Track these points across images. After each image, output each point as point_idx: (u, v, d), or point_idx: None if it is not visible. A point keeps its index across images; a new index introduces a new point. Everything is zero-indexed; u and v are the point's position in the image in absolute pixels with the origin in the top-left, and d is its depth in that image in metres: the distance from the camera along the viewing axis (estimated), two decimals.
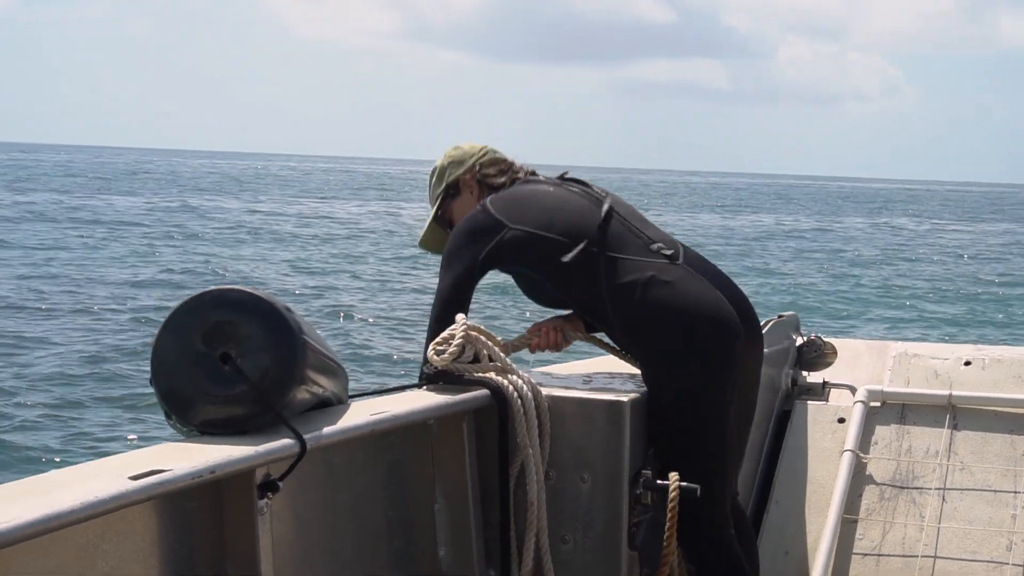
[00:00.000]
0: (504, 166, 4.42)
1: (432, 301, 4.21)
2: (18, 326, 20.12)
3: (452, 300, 4.14)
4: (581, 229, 4.17)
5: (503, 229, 4.18)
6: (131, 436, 12.99)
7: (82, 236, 38.40)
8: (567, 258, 4.12)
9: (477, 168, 4.40)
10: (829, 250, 45.68)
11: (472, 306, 4.18)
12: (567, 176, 4.40)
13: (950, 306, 27.50)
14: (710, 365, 4.06)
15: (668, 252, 4.16)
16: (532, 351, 4.35)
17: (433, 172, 4.50)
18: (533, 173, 4.44)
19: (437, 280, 4.24)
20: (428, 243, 4.52)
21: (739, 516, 4.36)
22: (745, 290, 4.32)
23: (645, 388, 4.07)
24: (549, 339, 4.33)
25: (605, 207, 4.22)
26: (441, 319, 4.09)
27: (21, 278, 26.91)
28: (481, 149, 4.46)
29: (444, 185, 4.43)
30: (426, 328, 4.16)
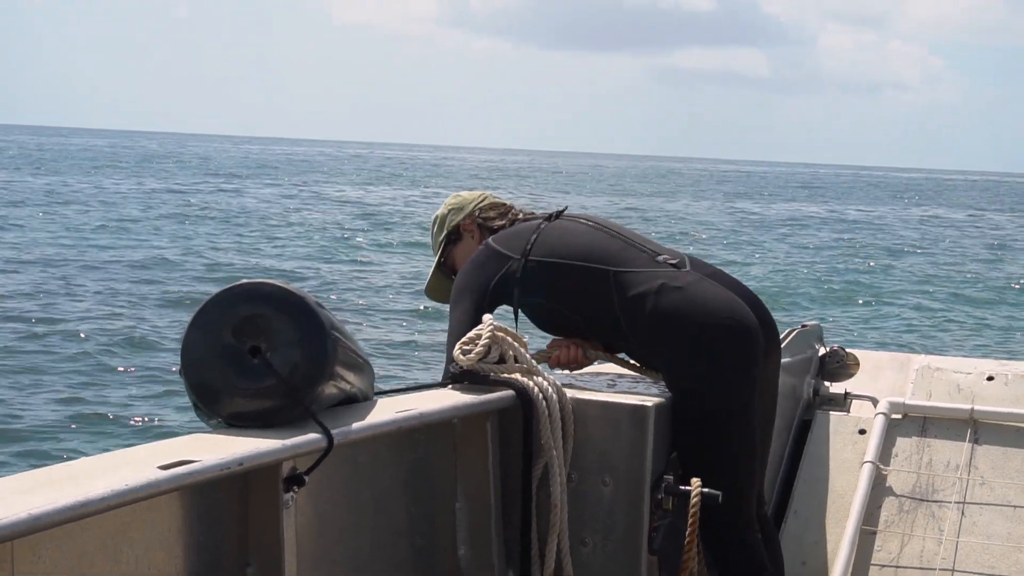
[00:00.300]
0: (503, 210, 4.52)
1: (445, 338, 4.23)
2: (47, 311, 20.26)
3: (464, 334, 4.12)
4: (584, 251, 4.22)
5: (508, 260, 4.24)
6: (160, 426, 13.06)
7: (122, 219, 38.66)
8: (574, 280, 4.18)
9: (476, 213, 4.51)
10: (863, 240, 45.54)
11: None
12: (565, 212, 4.46)
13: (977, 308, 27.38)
14: (729, 366, 4.08)
15: (674, 261, 4.20)
16: (552, 366, 4.35)
17: (435, 221, 4.61)
18: (532, 214, 4.51)
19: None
20: (433, 292, 4.63)
21: (764, 522, 4.38)
22: (769, 280, 4.33)
23: (670, 393, 4.08)
24: (570, 354, 4.32)
25: (604, 228, 4.31)
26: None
27: (58, 263, 27.10)
28: (480, 195, 4.57)
29: (445, 232, 4.54)
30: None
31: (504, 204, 4.55)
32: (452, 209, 4.56)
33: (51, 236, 32.95)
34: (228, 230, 38.15)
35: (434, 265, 4.59)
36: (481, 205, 4.53)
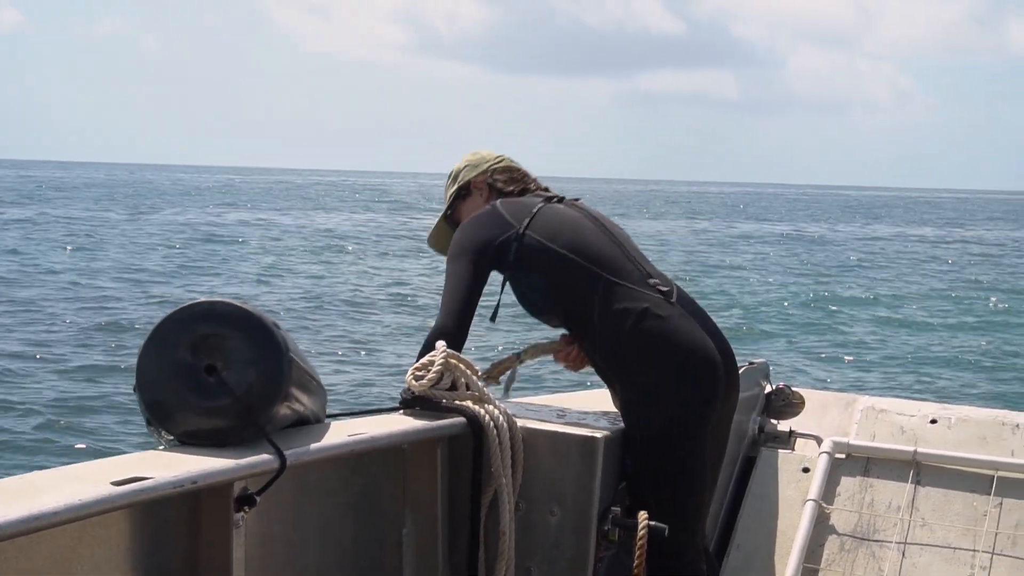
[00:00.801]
0: (517, 175, 4.54)
1: (441, 297, 4.21)
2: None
3: (461, 290, 4.17)
4: (579, 245, 4.22)
5: (511, 228, 4.24)
6: (114, 444, 12.97)
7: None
8: (563, 270, 4.18)
9: (490, 173, 4.53)
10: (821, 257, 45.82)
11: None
12: (578, 201, 4.49)
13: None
14: (694, 402, 4.10)
15: (664, 289, 4.21)
16: (556, 359, 4.36)
17: (450, 174, 4.62)
18: (547, 189, 4.54)
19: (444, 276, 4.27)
20: (436, 242, 4.61)
21: (706, 556, 4.41)
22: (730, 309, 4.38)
23: (619, 425, 4.10)
24: (576, 358, 4.34)
25: (607, 231, 4.32)
26: (451, 311, 4.12)
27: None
28: (498, 157, 4.59)
29: (457, 185, 4.55)
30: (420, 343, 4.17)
31: (519, 170, 4.57)
32: (468, 165, 4.57)
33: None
34: (181, 255, 38.07)
35: (440, 216, 4.60)
36: (496, 166, 4.54)
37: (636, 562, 3.98)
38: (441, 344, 4.03)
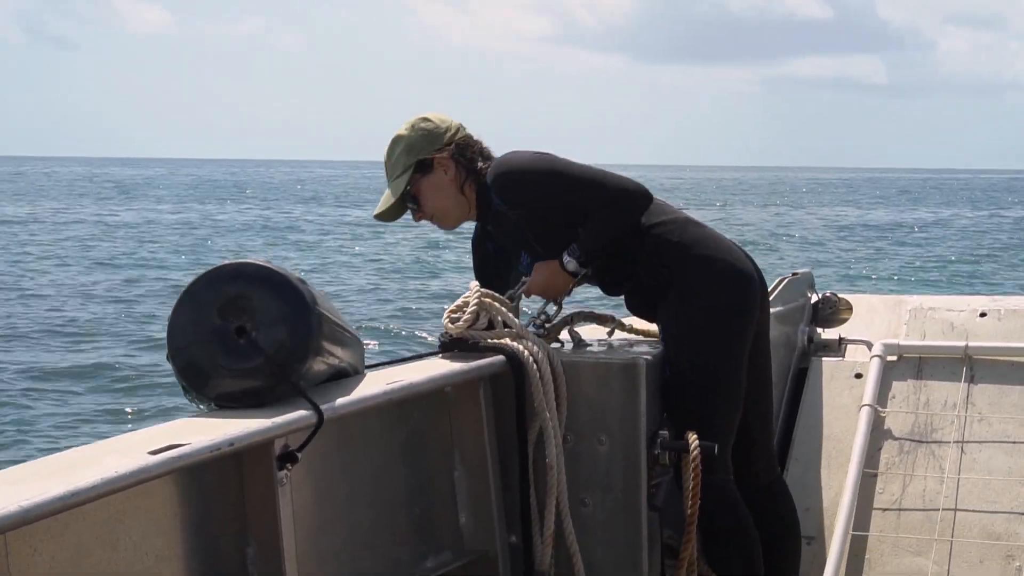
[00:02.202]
0: (477, 145, 4.33)
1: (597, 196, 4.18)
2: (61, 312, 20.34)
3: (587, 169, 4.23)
4: (616, 180, 4.25)
5: (562, 162, 4.23)
6: (153, 414, 13.08)
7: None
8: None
9: (453, 147, 4.28)
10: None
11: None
12: None
13: None
14: (737, 305, 4.18)
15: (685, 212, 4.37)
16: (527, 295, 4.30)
17: (397, 142, 4.30)
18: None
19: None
20: (386, 216, 4.35)
21: (780, 485, 4.51)
22: None
23: (659, 350, 4.08)
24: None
25: None
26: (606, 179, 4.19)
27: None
28: (456, 126, 4.33)
29: (416, 159, 4.27)
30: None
31: (479, 142, 4.36)
32: (425, 136, 4.27)
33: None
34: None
35: (392, 191, 4.29)
36: (458, 139, 4.30)
37: (692, 484, 3.98)
38: (474, 284, 4.03)
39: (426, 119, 4.30)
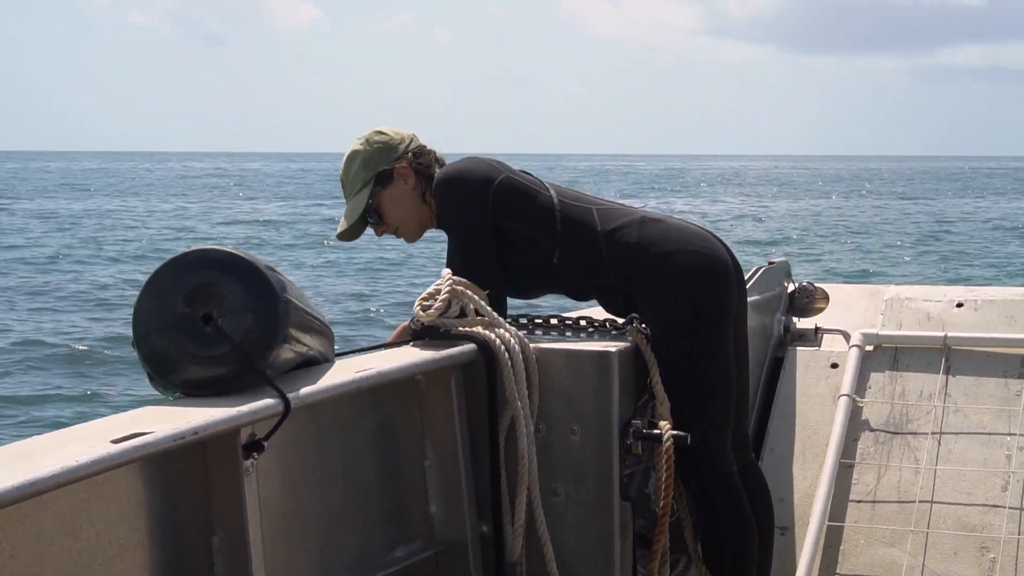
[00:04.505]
0: (431, 154, 4.34)
1: (452, 265, 4.11)
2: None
3: (477, 258, 4.14)
4: (562, 190, 4.26)
5: (499, 174, 4.18)
6: (115, 400, 13.04)
7: None
8: (560, 213, 4.16)
9: (410, 156, 4.29)
10: None
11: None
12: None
13: None
14: (713, 294, 4.14)
15: (640, 206, 4.37)
16: None
17: (353, 157, 4.31)
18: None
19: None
20: (347, 236, 4.35)
21: (753, 469, 4.46)
22: None
23: (630, 339, 4.05)
24: None
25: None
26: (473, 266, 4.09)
27: None
28: (410, 136, 4.34)
29: (375, 173, 4.26)
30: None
31: (432, 150, 4.36)
32: (381, 148, 4.29)
33: None
34: None
35: (353, 208, 4.29)
36: (412, 148, 4.31)
37: (664, 474, 3.96)
38: (447, 272, 3.99)
39: (380, 132, 4.31)
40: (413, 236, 4.37)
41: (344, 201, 4.34)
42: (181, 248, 3.42)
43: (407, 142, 4.31)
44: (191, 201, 63.28)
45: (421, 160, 4.29)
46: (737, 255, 4.30)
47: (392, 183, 4.27)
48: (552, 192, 4.22)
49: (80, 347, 16.33)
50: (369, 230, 4.37)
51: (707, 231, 4.27)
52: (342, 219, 4.33)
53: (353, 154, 4.31)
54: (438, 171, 4.29)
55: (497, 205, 4.15)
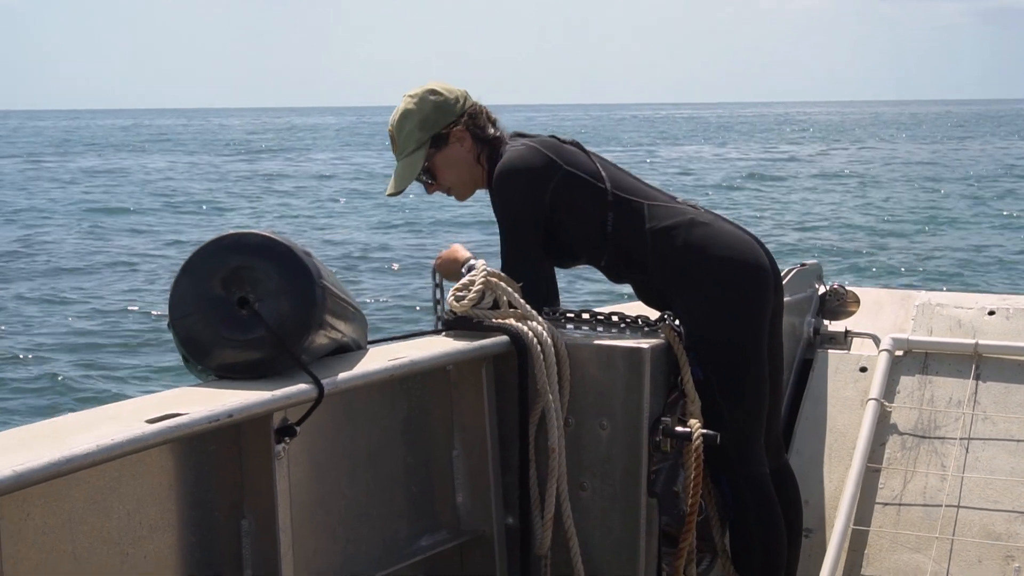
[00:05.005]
0: (487, 115, 4.28)
1: (506, 260, 4.13)
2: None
3: (528, 252, 4.15)
4: (619, 180, 4.23)
5: (559, 169, 4.15)
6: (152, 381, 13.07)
7: None
8: (617, 205, 4.16)
9: (466, 118, 4.23)
10: None
11: None
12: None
13: None
14: (748, 300, 4.15)
15: (693, 203, 4.30)
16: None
17: (407, 116, 4.22)
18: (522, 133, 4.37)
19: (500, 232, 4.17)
20: (400, 188, 4.28)
21: (786, 472, 4.48)
22: None
23: (663, 336, 4.05)
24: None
25: (616, 165, 4.30)
26: (525, 277, 4.06)
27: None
28: (463, 94, 4.27)
29: (431, 135, 4.21)
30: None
31: (486, 109, 4.30)
32: (437, 108, 4.21)
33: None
34: None
35: (407, 167, 4.22)
36: (468, 109, 4.24)
37: (693, 473, 3.96)
38: (481, 263, 3.99)
39: (434, 91, 4.24)
40: (465, 196, 4.35)
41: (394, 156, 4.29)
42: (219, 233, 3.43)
43: (462, 102, 4.25)
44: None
45: (477, 121, 4.25)
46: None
47: (448, 145, 4.22)
48: (607, 184, 4.18)
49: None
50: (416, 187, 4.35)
51: (750, 235, 4.27)
52: (393, 178, 4.27)
53: (407, 113, 4.22)
54: (503, 150, 4.22)
55: (554, 202, 4.15)
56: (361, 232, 28.60)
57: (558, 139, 4.29)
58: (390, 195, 4.31)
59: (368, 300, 17.78)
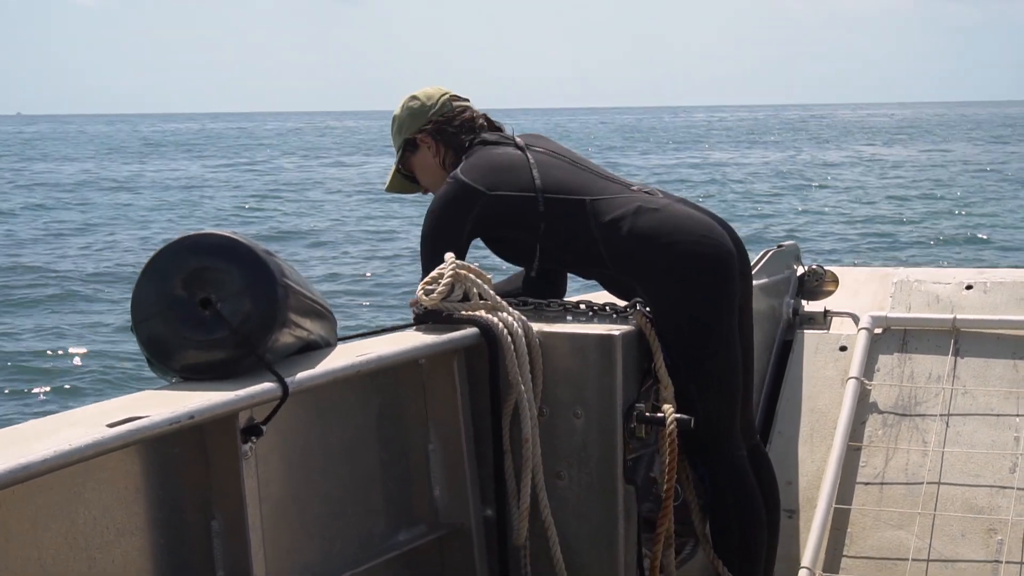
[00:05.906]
0: (462, 116, 4.35)
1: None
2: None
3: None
4: (558, 183, 4.19)
5: (481, 197, 4.15)
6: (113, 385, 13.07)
7: None
8: (551, 212, 4.14)
9: (431, 125, 4.34)
10: None
11: None
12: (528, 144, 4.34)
13: None
14: (710, 283, 4.11)
15: (648, 190, 4.26)
16: None
17: (392, 121, 4.45)
18: (486, 118, 4.41)
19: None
20: (395, 187, 4.55)
21: (758, 452, 4.45)
22: None
23: (634, 323, 4.04)
24: None
25: (570, 158, 4.31)
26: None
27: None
28: (438, 99, 4.36)
29: (403, 139, 4.39)
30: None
31: (460, 106, 4.37)
32: (410, 114, 4.38)
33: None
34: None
35: (394, 167, 4.49)
36: (436, 114, 4.34)
37: (668, 457, 3.95)
38: (450, 256, 3.99)
39: (414, 97, 4.41)
40: None
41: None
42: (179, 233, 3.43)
43: (435, 107, 4.36)
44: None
45: (444, 127, 4.34)
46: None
47: (418, 150, 4.39)
48: (539, 193, 4.15)
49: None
50: None
51: (710, 217, 4.22)
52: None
53: (393, 118, 4.45)
54: (470, 137, 4.30)
55: (482, 226, 4.19)
56: None
57: (516, 144, 4.30)
58: (387, 190, 4.59)
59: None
